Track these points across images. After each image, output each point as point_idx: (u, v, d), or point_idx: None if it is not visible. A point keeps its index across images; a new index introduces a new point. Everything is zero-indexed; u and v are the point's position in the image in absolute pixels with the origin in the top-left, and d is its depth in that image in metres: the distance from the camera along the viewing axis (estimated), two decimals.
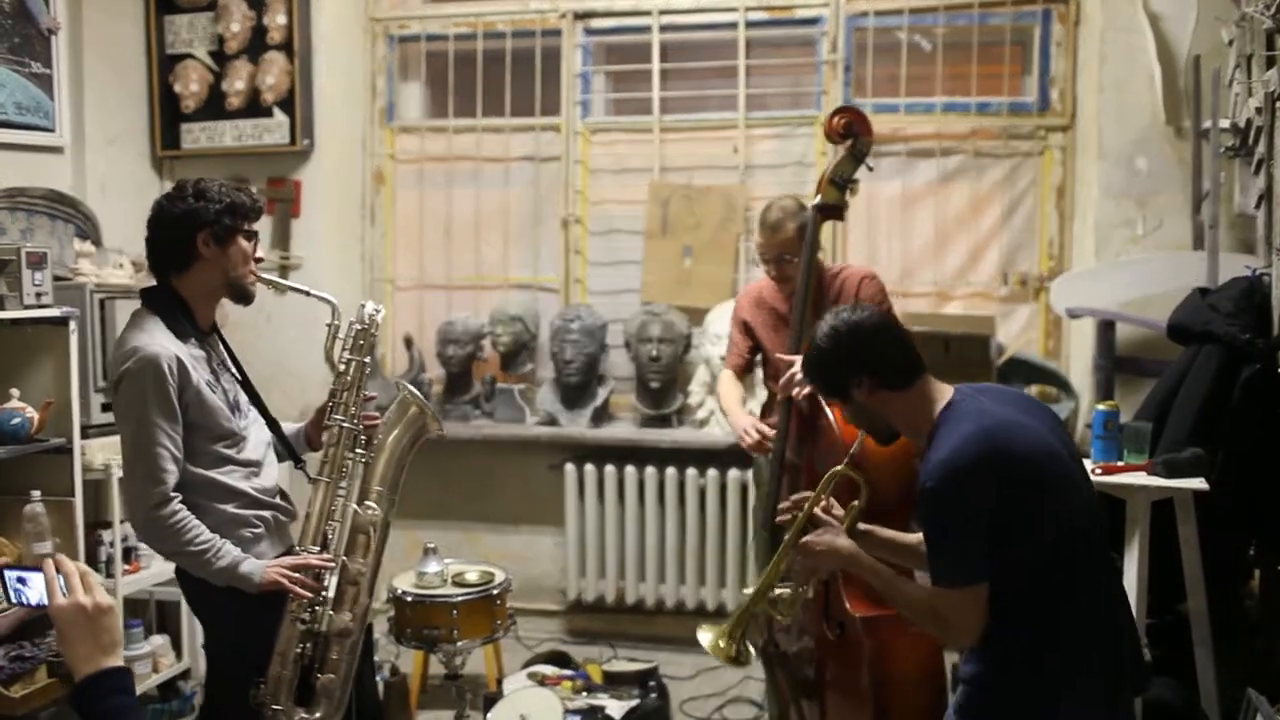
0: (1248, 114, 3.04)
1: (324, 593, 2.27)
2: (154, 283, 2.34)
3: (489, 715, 3.24)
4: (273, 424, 2.44)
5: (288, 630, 2.25)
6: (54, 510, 3.07)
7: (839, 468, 2.17)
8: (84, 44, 3.99)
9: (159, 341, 2.19)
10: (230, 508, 2.28)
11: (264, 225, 4.34)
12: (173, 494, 2.18)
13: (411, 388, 2.45)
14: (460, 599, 3.34)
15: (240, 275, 2.31)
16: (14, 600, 1.47)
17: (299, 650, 2.25)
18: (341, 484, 2.32)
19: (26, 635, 2.94)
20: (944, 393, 1.96)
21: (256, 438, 2.37)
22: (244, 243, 2.31)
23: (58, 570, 1.37)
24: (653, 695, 3.55)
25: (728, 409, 3.26)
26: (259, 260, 2.36)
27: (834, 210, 2.92)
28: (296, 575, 2.23)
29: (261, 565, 2.23)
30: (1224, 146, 3.30)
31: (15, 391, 3.06)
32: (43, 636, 2.94)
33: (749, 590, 3.09)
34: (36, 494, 3.02)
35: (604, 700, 3.43)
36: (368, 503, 2.34)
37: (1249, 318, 2.91)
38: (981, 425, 1.86)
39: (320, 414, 2.44)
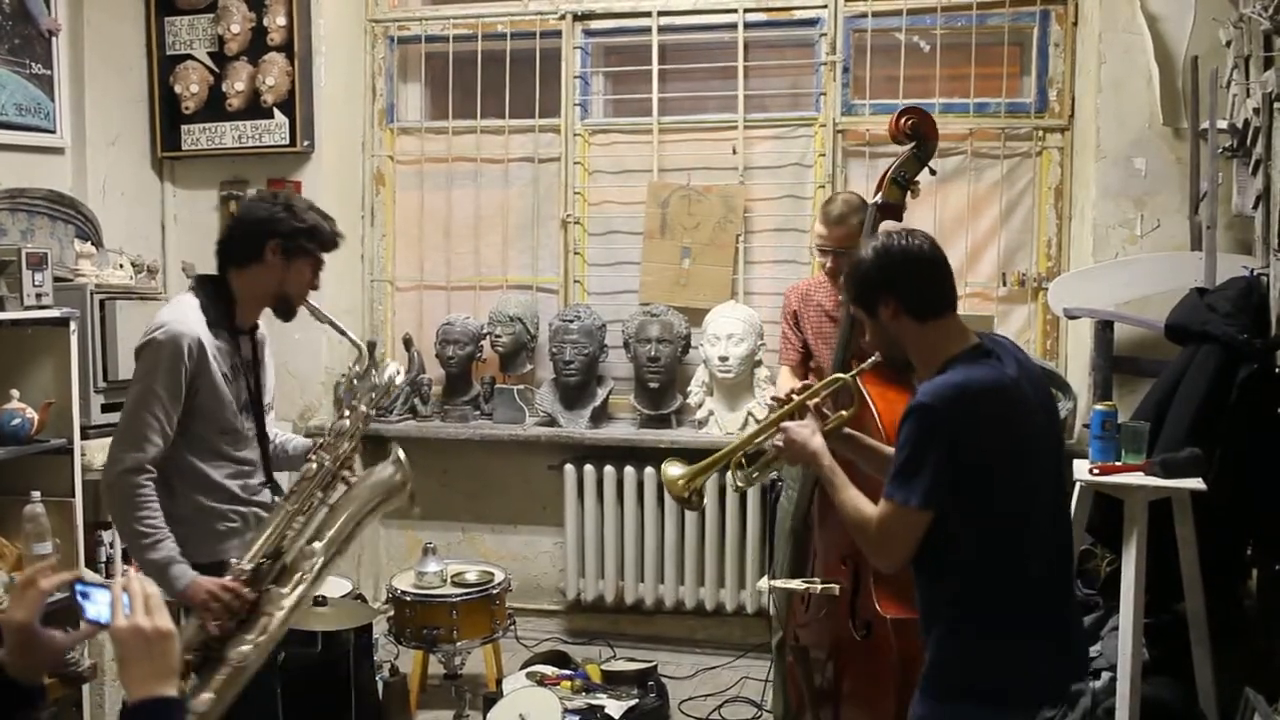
0: (1245, 115, 3.05)
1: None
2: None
3: (488, 715, 3.24)
4: (262, 438, 2.41)
5: (189, 631, 2.11)
6: (54, 511, 3.08)
7: (846, 375, 2.30)
8: (84, 45, 4.00)
9: (186, 321, 2.24)
10: (205, 499, 2.29)
11: None
12: (149, 467, 2.18)
13: (404, 456, 2.32)
14: (460, 599, 3.37)
15: (292, 292, 2.34)
16: (81, 615, 1.47)
17: (187, 659, 2.08)
18: (299, 518, 2.23)
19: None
20: (965, 337, 2.01)
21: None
22: (308, 267, 2.34)
23: (124, 590, 1.37)
24: (651, 695, 3.55)
25: None
26: (314, 288, 2.38)
27: (894, 210, 2.93)
28: (218, 605, 2.11)
29: (193, 576, 2.16)
30: (1222, 147, 3.30)
31: (15, 392, 3.07)
32: None
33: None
34: (36, 494, 3.03)
35: (603, 700, 3.43)
36: (315, 544, 2.22)
37: (1247, 318, 2.91)
38: (997, 376, 1.94)
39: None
